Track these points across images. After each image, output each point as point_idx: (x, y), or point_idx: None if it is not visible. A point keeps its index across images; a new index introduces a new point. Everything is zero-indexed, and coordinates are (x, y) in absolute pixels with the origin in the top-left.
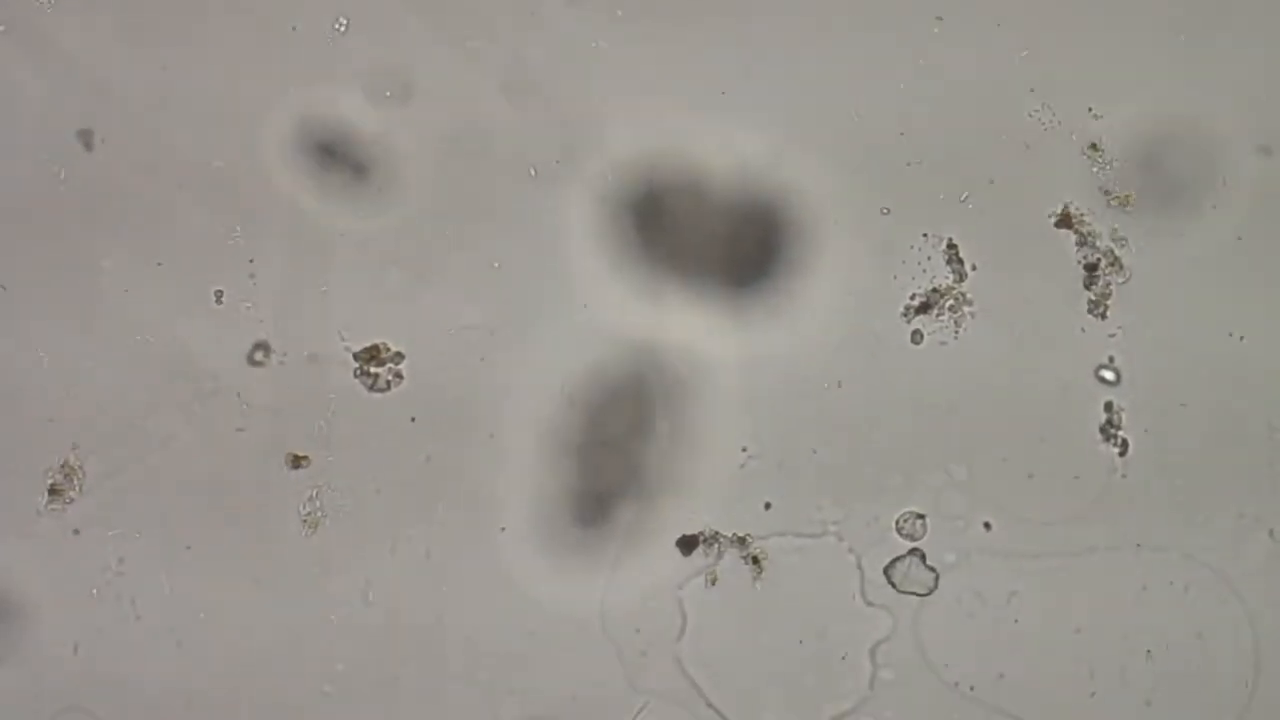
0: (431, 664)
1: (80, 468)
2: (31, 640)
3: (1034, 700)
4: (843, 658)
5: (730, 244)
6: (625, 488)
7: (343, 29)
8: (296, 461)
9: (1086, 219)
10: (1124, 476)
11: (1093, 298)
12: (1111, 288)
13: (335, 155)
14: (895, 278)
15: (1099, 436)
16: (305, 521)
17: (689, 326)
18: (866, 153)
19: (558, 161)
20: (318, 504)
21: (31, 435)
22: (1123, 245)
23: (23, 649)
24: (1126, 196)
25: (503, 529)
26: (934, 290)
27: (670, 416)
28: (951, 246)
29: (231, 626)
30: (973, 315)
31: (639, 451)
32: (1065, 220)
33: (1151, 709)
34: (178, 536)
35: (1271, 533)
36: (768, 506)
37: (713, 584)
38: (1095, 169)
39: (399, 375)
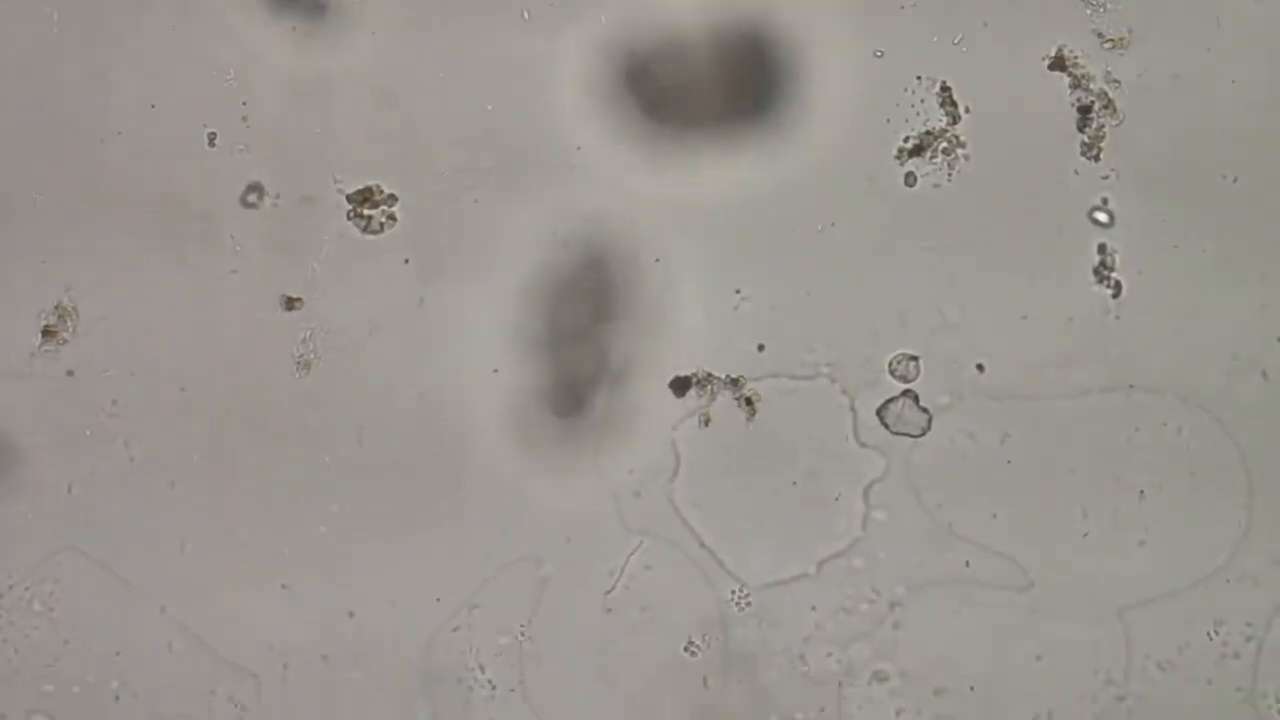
0: (425, 504)
1: (74, 309)
2: (26, 481)
3: (1027, 541)
4: (836, 499)
5: (723, 88)
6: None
7: None
8: (289, 304)
9: (1080, 62)
10: (1117, 318)
11: (1086, 140)
12: (1105, 130)
13: None
14: (888, 121)
15: (1092, 278)
16: (298, 363)
17: (682, 168)
18: None
19: (552, 3)
20: (310, 346)
21: (25, 277)
22: (1116, 88)
23: (17, 490)
24: (1121, 39)
25: (495, 370)
26: (927, 133)
27: (663, 261)
28: (945, 89)
29: (225, 467)
30: (966, 158)
31: (627, 306)
32: (1059, 63)
33: (1144, 549)
34: (171, 378)
35: (1264, 374)
36: (761, 348)
37: (706, 425)
38: (1089, 11)
39: (392, 218)
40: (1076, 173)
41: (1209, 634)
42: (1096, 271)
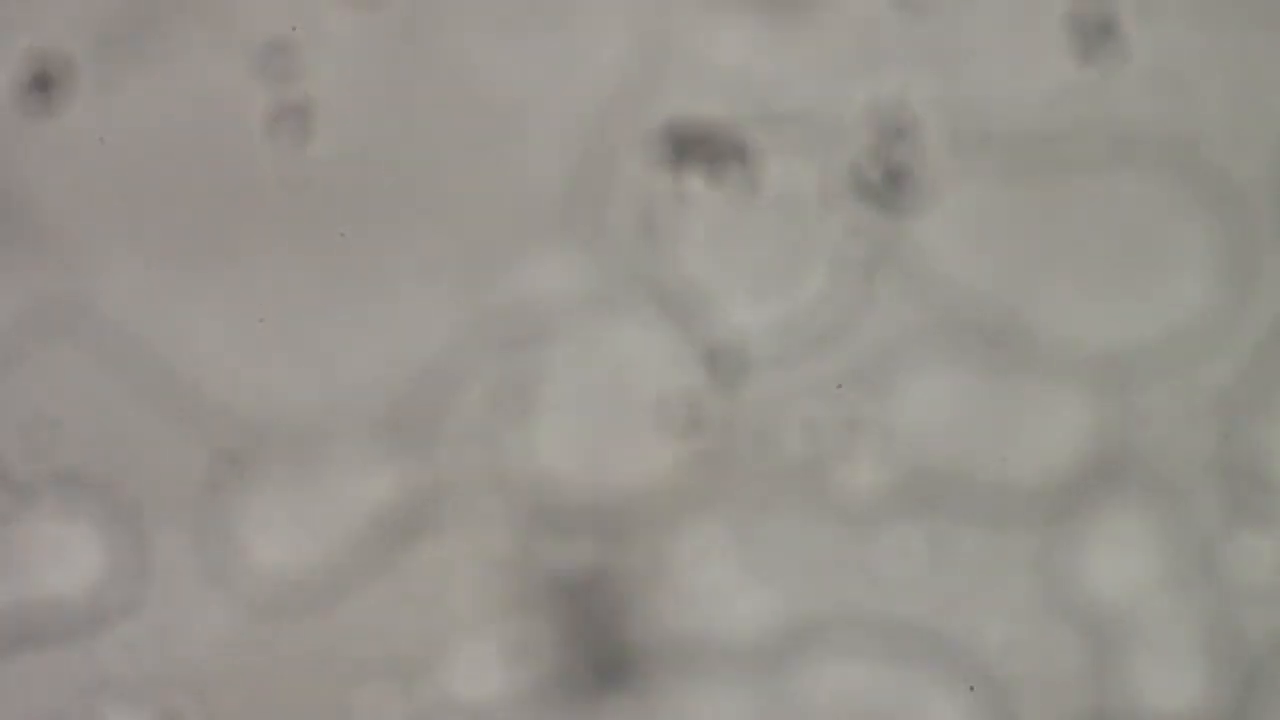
0: (404, 265)
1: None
2: (27, 230)
3: (1020, 303)
4: (821, 251)
5: None
6: None
7: None
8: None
9: None
10: (1114, 73)
11: None
12: None
13: None
14: None
15: (1089, 31)
16: (289, 133)
17: None
18: None
19: None
20: (301, 119)
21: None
22: None
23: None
24: None
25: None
26: None
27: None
28: None
29: (209, 235)
30: None
31: None
32: None
33: (1140, 315)
34: (160, 149)
35: (1264, 135)
36: (750, 111)
37: (694, 186)
38: None
39: None
40: None
41: (1199, 399)
42: (1096, 24)
